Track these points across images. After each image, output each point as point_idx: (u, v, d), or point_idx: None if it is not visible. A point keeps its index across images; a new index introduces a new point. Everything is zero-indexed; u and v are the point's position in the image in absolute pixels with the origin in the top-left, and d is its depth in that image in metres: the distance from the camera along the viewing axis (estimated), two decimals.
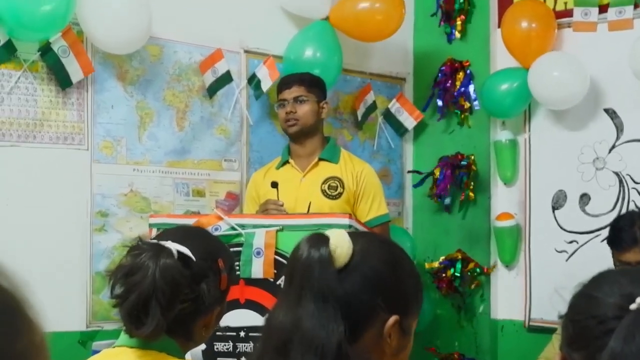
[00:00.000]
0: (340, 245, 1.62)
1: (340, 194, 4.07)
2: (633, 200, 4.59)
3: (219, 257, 2.11)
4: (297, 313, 1.59)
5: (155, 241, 2.06)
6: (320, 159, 4.14)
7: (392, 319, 1.63)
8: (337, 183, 4.08)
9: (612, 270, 1.58)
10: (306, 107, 4.10)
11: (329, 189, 4.07)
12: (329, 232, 1.66)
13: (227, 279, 2.11)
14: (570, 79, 4.64)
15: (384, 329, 1.62)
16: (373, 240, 1.77)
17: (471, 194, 5.04)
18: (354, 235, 1.68)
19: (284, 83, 4.16)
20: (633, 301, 1.41)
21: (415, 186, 5.24)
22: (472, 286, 5.04)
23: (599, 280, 1.54)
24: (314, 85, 4.17)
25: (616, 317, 1.41)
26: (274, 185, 3.94)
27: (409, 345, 1.70)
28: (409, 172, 5.28)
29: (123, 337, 2.08)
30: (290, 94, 4.10)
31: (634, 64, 4.38)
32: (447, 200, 5.09)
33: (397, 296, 1.67)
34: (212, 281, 2.06)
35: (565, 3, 4.87)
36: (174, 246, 2.01)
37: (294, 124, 4.10)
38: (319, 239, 1.63)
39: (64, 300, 3.86)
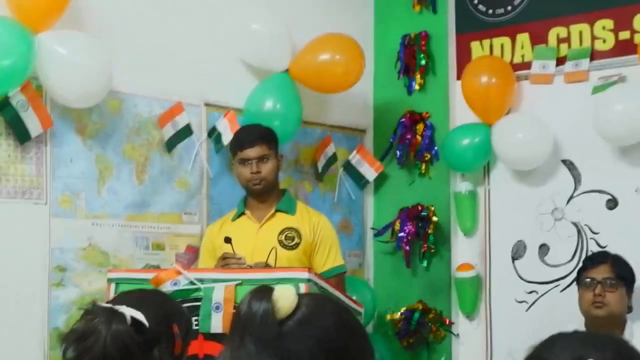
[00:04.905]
0: (283, 298, 1.66)
1: (297, 244, 4.09)
2: (591, 251, 4.62)
3: (174, 323, 2.11)
4: (237, 356, 1.63)
5: (109, 305, 2.05)
6: (277, 210, 4.17)
7: None
8: (294, 234, 4.11)
9: (564, 333, 1.60)
10: (270, 165, 4.12)
11: (285, 239, 4.09)
12: (276, 286, 1.69)
13: (181, 345, 2.10)
14: (534, 142, 4.73)
15: None
16: (324, 299, 1.82)
17: (432, 245, 5.06)
18: (307, 294, 1.72)
19: (246, 141, 4.14)
20: None
21: (375, 236, 5.26)
22: (433, 337, 5.06)
23: (551, 342, 1.55)
24: (273, 140, 4.19)
25: None
26: (227, 240, 3.93)
27: None
28: (374, 232, 5.30)
29: None
30: (253, 152, 4.10)
31: (597, 123, 4.45)
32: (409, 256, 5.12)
33: (339, 354, 1.67)
34: (166, 347, 2.06)
35: (523, 56, 4.95)
36: (128, 311, 2.01)
37: (259, 183, 4.11)
38: (262, 291, 1.67)
39: (21, 355, 3.82)
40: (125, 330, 1.98)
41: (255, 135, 4.16)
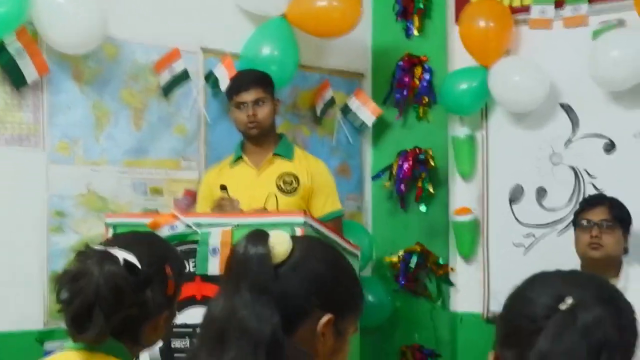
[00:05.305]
0: (279, 243, 1.67)
1: (295, 189, 4.13)
2: (589, 194, 4.62)
3: (166, 263, 2.13)
4: (232, 302, 1.63)
5: (102, 247, 2.08)
6: (275, 155, 4.18)
7: (326, 317, 1.66)
8: (292, 179, 4.13)
9: (546, 272, 1.62)
10: (266, 109, 4.13)
11: (284, 184, 4.12)
12: (270, 231, 1.70)
13: (174, 285, 2.13)
14: (530, 84, 4.71)
15: (317, 327, 1.65)
16: (316, 242, 1.84)
17: (430, 188, 5.07)
18: (299, 237, 1.74)
19: (241, 84, 4.15)
20: (562, 301, 1.45)
21: (374, 178, 5.28)
22: (431, 279, 5.10)
23: (534, 280, 1.58)
24: (269, 84, 4.19)
25: (546, 317, 1.45)
26: (223, 188, 3.95)
27: (345, 348, 1.73)
28: (373, 178, 5.32)
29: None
30: (249, 96, 4.10)
31: (592, 69, 4.44)
32: (406, 197, 5.13)
33: (332, 296, 1.70)
34: (158, 287, 2.08)
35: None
36: (120, 253, 2.03)
37: (254, 127, 4.12)
38: (258, 236, 1.67)
39: (21, 299, 3.87)
40: (117, 271, 2.00)
41: (250, 78, 4.16)
